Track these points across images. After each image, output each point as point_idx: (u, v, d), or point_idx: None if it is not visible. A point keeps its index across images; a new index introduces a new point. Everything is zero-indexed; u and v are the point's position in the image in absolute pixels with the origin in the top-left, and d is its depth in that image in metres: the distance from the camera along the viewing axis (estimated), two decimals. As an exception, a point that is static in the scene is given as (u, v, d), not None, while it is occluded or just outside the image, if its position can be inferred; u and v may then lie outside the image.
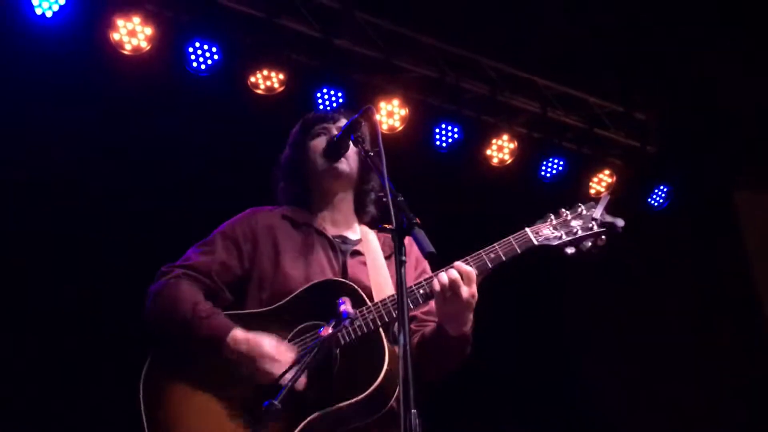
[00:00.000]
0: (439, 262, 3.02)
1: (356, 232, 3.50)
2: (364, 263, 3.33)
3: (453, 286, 2.99)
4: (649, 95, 7.91)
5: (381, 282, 3.23)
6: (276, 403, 2.47)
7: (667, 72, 7.54)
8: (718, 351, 7.62)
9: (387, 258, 3.39)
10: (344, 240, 3.42)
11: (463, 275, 3.00)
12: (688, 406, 7.61)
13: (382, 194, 2.75)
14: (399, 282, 2.55)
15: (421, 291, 3.07)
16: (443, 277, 3.01)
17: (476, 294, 3.03)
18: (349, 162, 3.44)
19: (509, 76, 7.46)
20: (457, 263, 3.05)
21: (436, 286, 3.01)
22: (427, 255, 2.64)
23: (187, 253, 3.30)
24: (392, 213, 2.69)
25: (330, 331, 2.71)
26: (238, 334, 3.01)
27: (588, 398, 8.13)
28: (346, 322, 2.74)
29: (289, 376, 2.81)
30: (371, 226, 3.57)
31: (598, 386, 8.15)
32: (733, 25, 7.08)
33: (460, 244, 3.20)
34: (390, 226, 2.68)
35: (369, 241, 3.45)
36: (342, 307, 2.77)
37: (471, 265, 3.06)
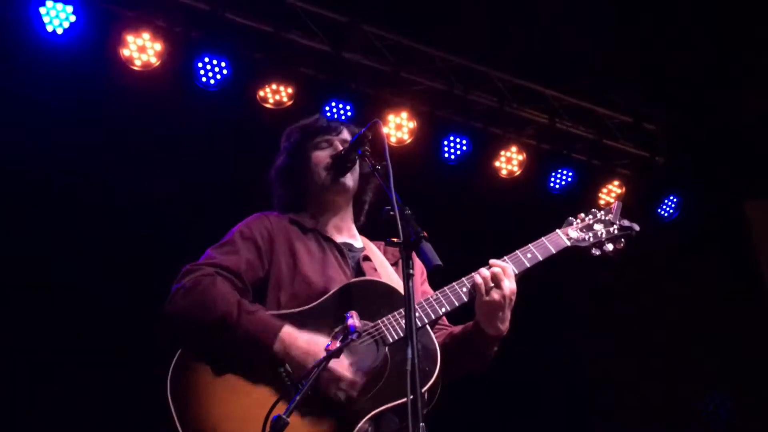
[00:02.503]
0: (446, 274, 3.04)
1: (358, 240, 3.51)
2: (375, 269, 3.32)
3: (495, 278, 3.06)
4: (657, 106, 7.91)
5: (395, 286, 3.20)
6: (285, 417, 2.47)
7: (676, 82, 7.53)
8: (730, 360, 7.59)
9: (393, 265, 3.41)
10: (350, 247, 3.42)
11: (503, 270, 3.07)
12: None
13: (389, 208, 2.75)
14: (407, 295, 2.56)
15: (464, 289, 3.10)
16: (484, 271, 3.09)
17: (515, 291, 3.08)
18: (353, 175, 3.44)
19: (517, 88, 7.48)
20: (495, 260, 3.13)
21: (478, 279, 3.07)
22: (433, 268, 2.65)
23: (207, 254, 3.19)
24: (399, 226, 2.69)
25: (338, 344, 2.71)
26: (293, 330, 2.95)
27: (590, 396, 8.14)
28: (354, 336, 2.73)
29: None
30: (367, 235, 3.57)
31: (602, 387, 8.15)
32: (741, 34, 7.08)
33: (469, 256, 3.22)
34: (397, 239, 2.68)
35: (372, 248, 3.46)
36: (349, 321, 2.77)
37: (509, 263, 3.14)
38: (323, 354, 2.82)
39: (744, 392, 7.59)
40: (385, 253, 3.46)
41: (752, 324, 7.77)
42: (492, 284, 3.06)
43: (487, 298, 3.05)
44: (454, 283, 3.13)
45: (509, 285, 3.07)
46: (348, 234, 3.48)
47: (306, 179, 3.46)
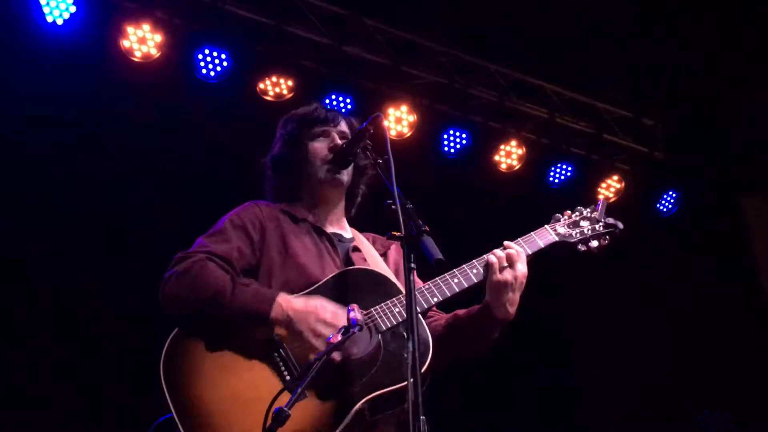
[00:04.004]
0: (445, 268, 3.06)
1: (348, 231, 3.53)
2: (364, 259, 3.34)
3: (510, 259, 3.13)
4: (657, 101, 7.91)
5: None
6: (286, 410, 2.49)
7: (675, 78, 7.54)
8: (725, 355, 7.62)
9: (382, 256, 3.43)
10: (340, 238, 3.43)
11: (517, 253, 3.15)
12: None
13: (390, 201, 2.76)
14: (408, 289, 2.57)
15: (474, 271, 3.15)
16: (498, 251, 3.15)
17: (526, 275, 3.15)
18: (348, 170, 3.45)
19: (517, 82, 7.49)
20: (510, 242, 3.20)
21: (492, 259, 3.13)
22: (435, 262, 2.66)
23: (198, 242, 3.19)
24: (401, 220, 2.70)
25: (339, 338, 2.72)
26: (289, 296, 2.99)
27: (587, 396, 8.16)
28: (356, 329, 2.74)
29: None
30: (357, 227, 3.60)
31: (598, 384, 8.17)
32: (739, 29, 7.08)
33: (469, 249, 3.23)
34: (399, 233, 2.69)
35: (361, 239, 3.47)
36: (351, 314, 2.78)
37: (523, 247, 3.22)
38: (323, 310, 2.93)
39: (742, 392, 7.61)
40: (374, 244, 3.47)
41: (749, 320, 7.80)
42: (506, 264, 3.12)
43: (499, 277, 3.10)
44: (446, 274, 3.15)
45: (522, 268, 3.14)
46: (338, 225, 3.50)
47: (301, 171, 3.46)
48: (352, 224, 3.59)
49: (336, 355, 2.84)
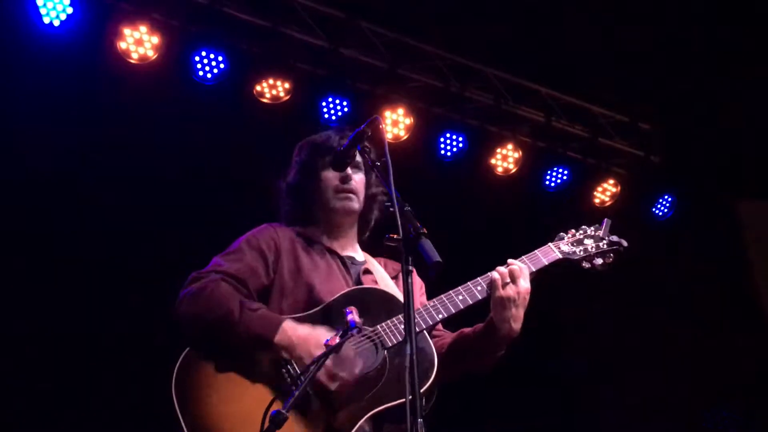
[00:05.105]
0: (445, 271, 3.06)
1: (360, 254, 3.61)
2: (375, 281, 3.42)
3: (512, 275, 3.19)
4: (653, 105, 7.93)
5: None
6: (284, 412, 2.49)
7: (671, 82, 7.55)
8: (720, 358, 7.63)
9: (393, 278, 3.50)
10: (353, 261, 3.52)
11: (520, 269, 3.21)
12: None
13: (389, 204, 2.78)
14: (406, 291, 2.58)
15: (479, 288, 3.21)
16: (501, 268, 3.22)
17: (529, 291, 3.21)
18: (359, 197, 3.52)
19: (514, 86, 7.49)
20: (513, 260, 3.27)
21: (495, 275, 3.19)
22: (433, 264, 2.68)
23: (214, 261, 3.29)
24: (399, 223, 2.72)
25: (337, 340, 2.74)
26: (294, 323, 3.07)
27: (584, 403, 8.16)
28: (354, 331, 2.76)
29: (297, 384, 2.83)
30: (368, 250, 3.67)
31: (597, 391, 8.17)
32: (735, 31, 7.10)
33: (465, 252, 3.24)
34: (397, 236, 2.70)
35: (373, 263, 3.56)
36: (349, 317, 2.80)
37: (526, 263, 3.29)
38: (324, 339, 2.92)
39: (740, 396, 7.63)
40: (385, 268, 3.56)
41: (743, 324, 7.81)
42: (508, 280, 3.18)
43: (502, 293, 3.15)
44: (451, 292, 3.22)
45: (524, 284, 3.19)
46: (351, 249, 3.58)
47: (315, 198, 3.54)
48: (364, 248, 3.66)
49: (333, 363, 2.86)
